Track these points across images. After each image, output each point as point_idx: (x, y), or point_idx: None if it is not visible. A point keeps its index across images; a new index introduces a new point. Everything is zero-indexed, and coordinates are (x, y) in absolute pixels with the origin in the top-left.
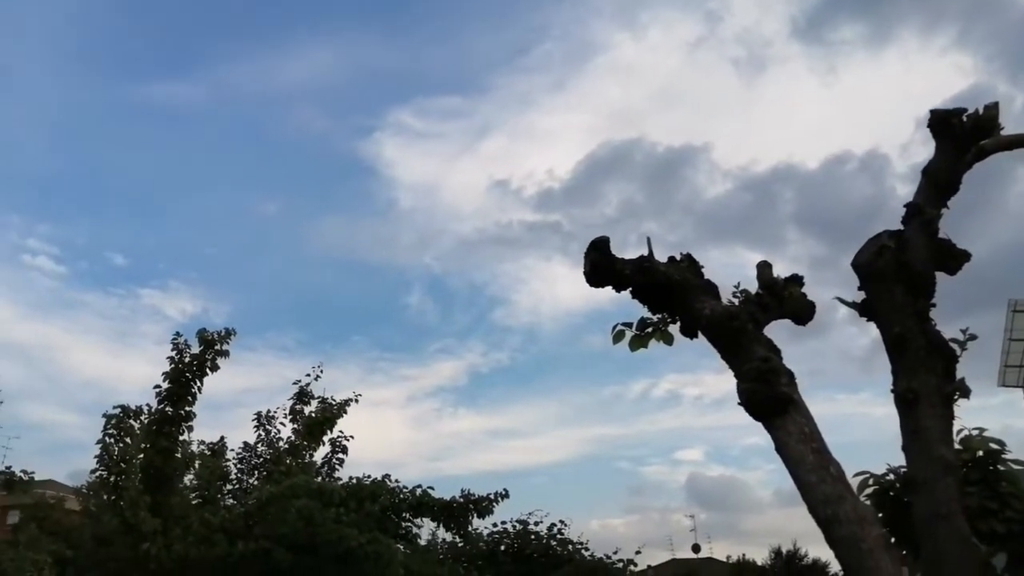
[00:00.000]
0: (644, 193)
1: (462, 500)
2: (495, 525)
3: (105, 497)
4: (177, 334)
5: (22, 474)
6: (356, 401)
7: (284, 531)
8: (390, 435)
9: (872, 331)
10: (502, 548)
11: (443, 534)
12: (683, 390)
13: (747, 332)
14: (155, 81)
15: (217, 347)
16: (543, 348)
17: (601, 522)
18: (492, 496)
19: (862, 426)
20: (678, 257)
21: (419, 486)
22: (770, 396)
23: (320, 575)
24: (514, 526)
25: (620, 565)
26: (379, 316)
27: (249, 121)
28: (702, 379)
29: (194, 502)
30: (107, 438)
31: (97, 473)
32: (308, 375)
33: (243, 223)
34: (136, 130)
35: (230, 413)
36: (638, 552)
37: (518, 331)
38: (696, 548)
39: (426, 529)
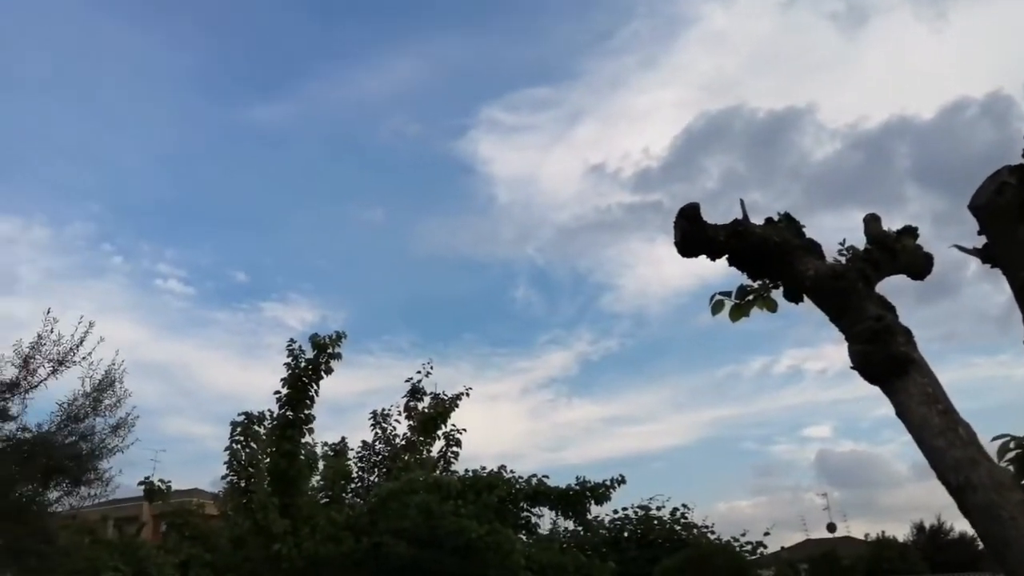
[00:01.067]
0: (747, 162)
1: (578, 488)
2: (616, 512)
3: (236, 501)
4: (291, 340)
5: (160, 483)
6: (467, 395)
7: (405, 526)
8: (507, 428)
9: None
10: (624, 534)
11: (564, 523)
12: (805, 365)
13: (857, 291)
14: (256, 105)
15: (329, 350)
16: (653, 332)
17: (728, 504)
18: (608, 482)
19: (1004, 389)
20: (775, 218)
21: (534, 475)
22: (887, 357)
23: (442, 567)
24: (636, 512)
25: (749, 547)
26: (487, 312)
27: (346, 134)
28: (824, 352)
29: (322, 502)
30: (234, 444)
31: (228, 478)
32: (419, 372)
33: (350, 232)
34: (244, 152)
35: (354, 415)
36: (767, 533)
37: (626, 316)
38: (832, 527)
39: (546, 518)
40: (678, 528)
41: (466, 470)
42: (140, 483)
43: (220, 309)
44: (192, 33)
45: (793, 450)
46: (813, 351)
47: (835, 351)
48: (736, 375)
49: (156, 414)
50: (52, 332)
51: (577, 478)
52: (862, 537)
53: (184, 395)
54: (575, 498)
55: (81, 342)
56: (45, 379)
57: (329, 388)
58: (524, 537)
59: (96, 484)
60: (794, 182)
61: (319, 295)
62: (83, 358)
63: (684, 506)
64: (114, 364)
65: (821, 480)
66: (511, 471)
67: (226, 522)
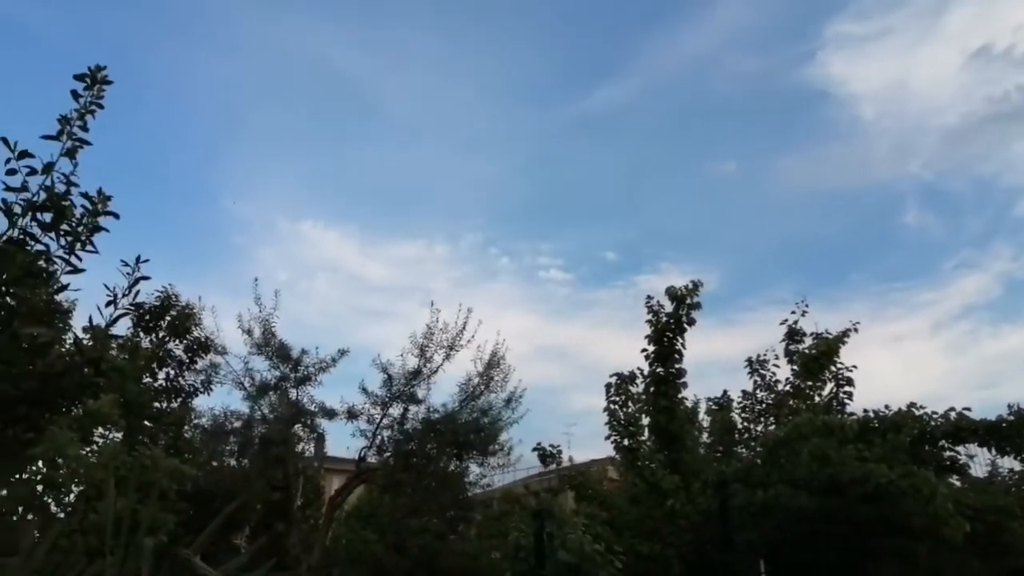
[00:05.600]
0: None
1: (1011, 418)
2: None
3: (625, 460)
4: (649, 297)
5: (551, 448)
6: (855, 331)
7: (800, 474)
8: (922, 369)
9: None
10: None
11: (1005, 462)
12: None
13: None
14: (592, 91)
15: (688, 301)
16: None
17: None
18: None
19: None
20: None
21: (952, 409)
22: None
23: (852, 517)
24: None
25: None
26: (874, 245)
27: (683, 92)
28: None
29: (713, 455)
30: (611, 405)
31: (611, 439)
32: (792, 312)
33: (705, 190)
34: (589, 138)
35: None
36: None
37: None
38: None
39: (981, 458)
40: None
41: (864, 411)
42: (533, 449)
43: (599, 289)
44: (515, 44)
45: None
46: None
47: None
48: None
49: (562, 392)
50: (438, 322)
51: (1009, 406)
52: None
53: (582, 371)
54: (1010, 430)
55: (463, 327)
56: (441, 364)
57: (715, 347)
58: (955, 480)
59: (500, 454)
60: None
61: (688, 260)
62: (468, 341)
63: None
64: (498, 344)
65: None
66: (921, 407)
67: (624, 482)
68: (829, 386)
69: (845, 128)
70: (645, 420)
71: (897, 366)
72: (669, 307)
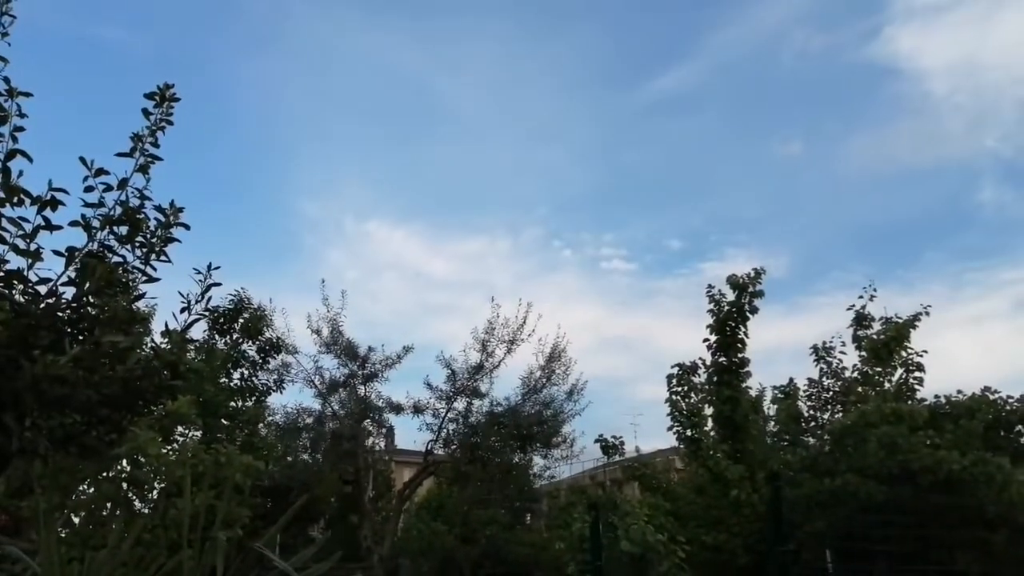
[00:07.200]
0: None
1: None
2: None
3: (689, 451)
4: (710, 286)
5: (613, 439)
6: (927, 315)
7: (869, 463)
8: (1005, 350)
9: None
10: None
11: None
12: None
13: None
14: (657, 76)
15: (750, 289)
16: None
17: None
18: None
19: None
20: None
21: None
22: None
23: (923, 506)
24: None
25: None
26: (949, 224)
27: (749, 73)
28: None
29: (779, 445)
30: (673, 395)
31: (674, 429)
32: (860, 297)
33: (771, 172)
34: (654, 124)
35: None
36: None
37: None
38: None
39: None
40: None
41: (936, 396)
42: (595, 440)
43: (663, 278)
44: (578, 30)
45: None
46: None
47: None
48: None
49: (628, 383)
50: (499, 317)
51: None
52: None
53: (648, 362)
54: None
55: (524, 322)
56: (503, 359)
57: (784, 335)
58: None
59: (563, 446)
60: None
61: (755, 245)
62: (528, 335)
63: None
64: (559, 337)
65: None
66: (996, 391)
67: (688, 473)
68: (899, 372)
69: (917, 103)
70: (708, 410)
71: (977, 348)
72: (731, 296)
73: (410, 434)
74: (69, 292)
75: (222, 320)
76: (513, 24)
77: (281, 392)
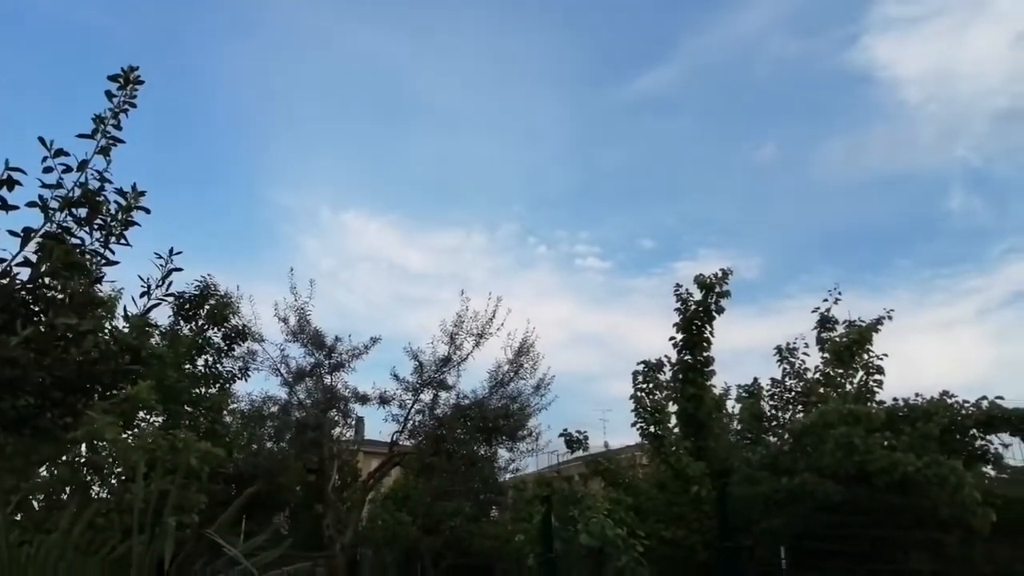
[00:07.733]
0: None
1: None
2: None
3: (651, 447)
4: (677, 285)
5: (577, 433)
6: (889, 318)
7: (826, 463)
8: (970, 356)
9: None
10: None
11: None
12: None
13: None
14: (638, 77)
15: (717, 290)
16: None
17: None
18: None
19: None
20: None
21: (984, 397)
22: None
23: (878, 506)
24: None
25: None
26: (919, 230)
27: (725, 77)
28: None
29: (741, 443)
30: (638, 392)
31: (638, 426)
32: (825, 300)
33: (746, 175)
34: (631, 125)
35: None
36: None
37: None
38: None
39: (1017, 447)
40: None
41: (894, 399)
42: (559, 435)
43: (636, 277)
44: (556, 30)
45: None
46: None
47: None
48: None
49: (600, 379)
50: (468, 310)
51: None
52: None
53: (621, 359)
54: None
55: (493, 316)
56: (471, 352)
57: (752, 336)
58: (989, 470)
59: (529, 440)
60: None
61: (728, 246)
62: (497, 329)
63: None
64: (528, 332)
65: None
66: (953, 395)
67: (651, 469)
68: (860, 374)
69: (890, 111)
70: (672, 407)
71: (943, 353)
72: (698, 295)
73: (377, 425)
74: (25, 273)
75: (187, 306)
76: (493, 18)
77: (246, 380)
